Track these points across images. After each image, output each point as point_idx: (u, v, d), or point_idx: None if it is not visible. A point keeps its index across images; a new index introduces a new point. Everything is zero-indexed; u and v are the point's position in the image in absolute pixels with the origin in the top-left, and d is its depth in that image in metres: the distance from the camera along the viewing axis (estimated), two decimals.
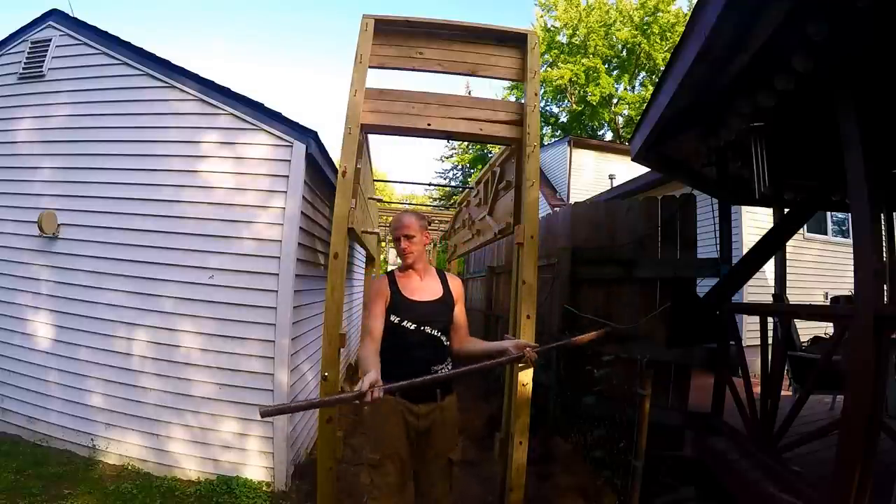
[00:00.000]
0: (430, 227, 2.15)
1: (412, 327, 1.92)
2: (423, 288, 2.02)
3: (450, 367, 1.97)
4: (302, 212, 3.39)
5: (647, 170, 4.93)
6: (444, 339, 2.00)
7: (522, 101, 3.00)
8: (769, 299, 4.40)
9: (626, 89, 21.20)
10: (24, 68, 3.84)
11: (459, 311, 2.09)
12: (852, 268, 1.93)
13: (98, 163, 3.60)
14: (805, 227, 6.68)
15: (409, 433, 1.89)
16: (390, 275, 2.03)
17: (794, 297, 4.99)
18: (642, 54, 20.11)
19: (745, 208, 5.78)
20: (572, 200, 11.10)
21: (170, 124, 3.55)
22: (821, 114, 2.29)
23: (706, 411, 3.21)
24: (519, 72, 3.04)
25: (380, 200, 6.32)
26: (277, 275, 3.29)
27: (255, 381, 3.25)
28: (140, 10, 47.92)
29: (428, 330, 1.94)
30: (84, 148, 3.65)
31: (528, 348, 1.89)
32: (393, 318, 1.93)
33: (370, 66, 2.83)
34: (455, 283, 2.12)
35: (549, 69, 20.65)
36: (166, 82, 3.58)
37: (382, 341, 1.89)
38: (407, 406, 1.89)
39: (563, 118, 22.94)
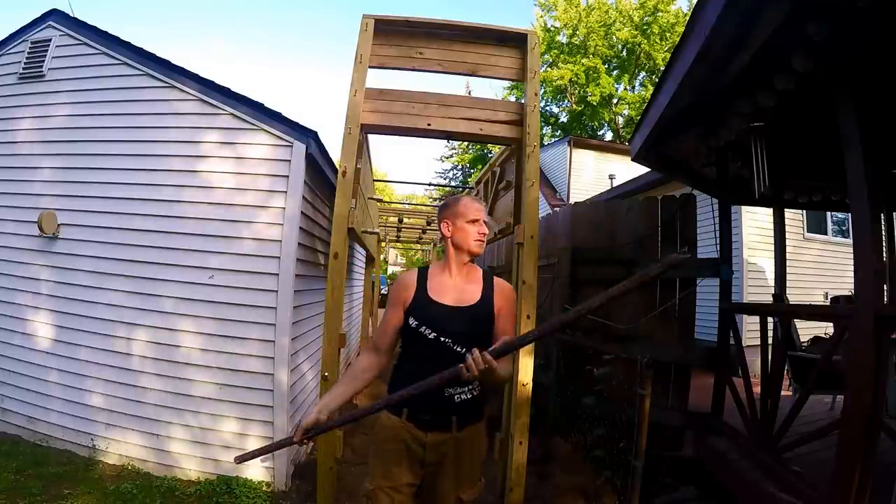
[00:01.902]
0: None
1: (431, 336, 1.54)
2: (458, 290, 1.63)
3: (476, 393, 1.60)
4: (302, 212, 3.39)
5: (647, 170, 4.94)
6: None
7: (522, 101, 3.00)
8: (769, 299, 4.40)
9: (626, 89, 21.19)
10: (24, 68, 3.84)
11: (503, 328, 1.60)
12: (852, 268, 1.94)
13: (98, 163, 3.60)
14: (805, 227, 6.70)
15: (414, 465, 1.59)
16: (423, 269, 1.69)
17: (794, 297, 4.99)
18: (642, 54, 20.10)
19: (745, 208, 5.78)
20: (572, 200, 11.09)
21: (170, 124, 3.54)
22: (821, 114, 2.29)
23: (706, 411, 3.21)
24: (519, 72, 3.04)
25: (380, 200, 6.33)
26: (277, 275, 3.29)
27: (255, 381, 3.25)
28: (140, 10, 47.98)
29: (449, 343, 1.53)
30: (84, 148, 3.65)
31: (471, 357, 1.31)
32: (411, 320, 1.58)
33: (370, 66, 2.83)
34: (503, 292, 1.65)
35: (549, 69, 20.63)
36: (166, 82, 3.58)
37: (404, 349, 1.64)
38: (412, 432, 1.56)
39: (563, 118, 22.94)
